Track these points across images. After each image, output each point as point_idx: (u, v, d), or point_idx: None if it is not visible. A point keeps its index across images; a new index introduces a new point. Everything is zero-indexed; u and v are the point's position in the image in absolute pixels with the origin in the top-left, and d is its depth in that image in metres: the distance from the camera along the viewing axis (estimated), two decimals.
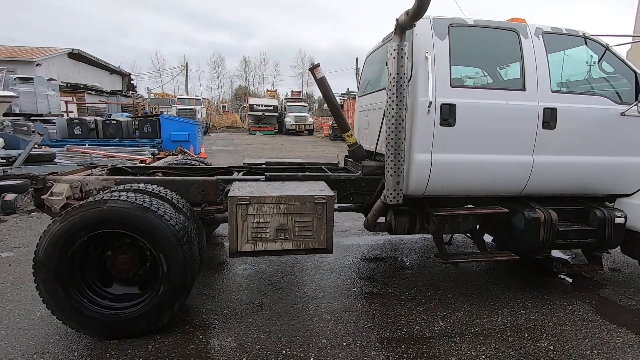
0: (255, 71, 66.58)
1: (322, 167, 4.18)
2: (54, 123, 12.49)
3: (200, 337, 2.66)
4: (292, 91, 46.31)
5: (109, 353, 2.44)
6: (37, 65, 20.30)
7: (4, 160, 6.98)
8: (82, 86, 21.55)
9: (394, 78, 2.82)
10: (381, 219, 3.58)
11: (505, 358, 2.49)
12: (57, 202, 2.97)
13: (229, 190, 3.18)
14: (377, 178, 3.49)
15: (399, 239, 4.94)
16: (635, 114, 3.18)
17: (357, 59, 35.82)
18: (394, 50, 2.79)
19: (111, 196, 2.50)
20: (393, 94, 2.84)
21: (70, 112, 18.02)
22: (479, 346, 2.62)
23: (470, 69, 4.40)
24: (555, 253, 3.94)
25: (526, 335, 2.77)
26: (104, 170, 3.75)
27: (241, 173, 3.83)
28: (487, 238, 4.21)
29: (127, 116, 16.90)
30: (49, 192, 2.94)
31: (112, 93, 24.50)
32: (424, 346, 2.61)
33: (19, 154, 6.88)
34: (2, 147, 8.20)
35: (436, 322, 2.92)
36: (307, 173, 3.47)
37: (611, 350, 2.60)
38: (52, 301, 2.48)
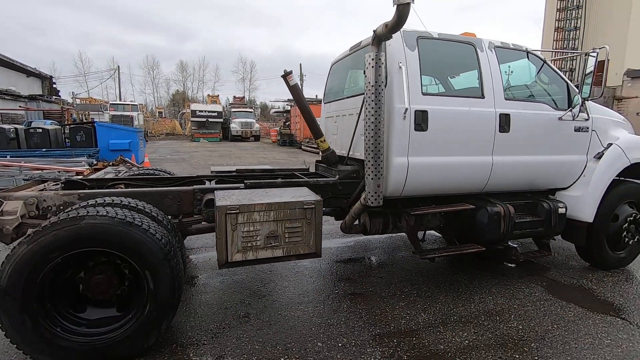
0: (194, 75, 64.03)
1: (295, 172, 4.21)
2: None
3: (191, 355, 2.53)
4: (234, 96, 45.24)
5: None
6: None
7: None
8: None
9: (372, 86, 2.97)
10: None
11: (485, 340, 2.74)
12: (9, 222, 2.64)
13: (209, 200, 3.09)
14: (353, 182, 3.62)
15: (366, 239, 5.13)
16: (569, 118, 3.70)
17: (300, 64, 36.19)
18: (372, 59, 2.94)
19: (87, 212, 2.29)
20: (372, 100, 2.99)
21: None
22: (460, 332, 2.84)
23: (425, 78, 4.75)
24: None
25: (498, 318, 3.06)
26: (57, 184, 3.40)
27: (213, 182, 3.72)
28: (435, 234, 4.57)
29: (51, 123, 15.21)
30: None
31: (32, 98, 21.88)
32: (413, 338, 2.76)
33: None
34: None
35: (419, 315, 3.10)
36: (285, 180, 3.48)
37: (567, 323, 2.99)
38: (17, 334, 2.20)
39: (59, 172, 7.39)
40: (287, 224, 2.76)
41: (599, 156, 3.87)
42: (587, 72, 3.50)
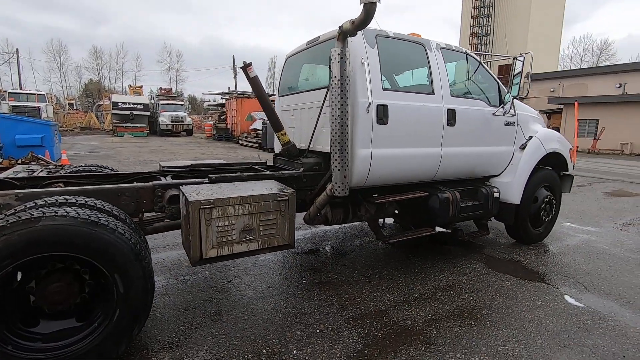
0: (111, 64, 58.29)
1: (253, 166, 4.15)
2: None
3: (167, 358, 2.41)
4: (160, 88, 42.10)
5: None
6: None
7: None
8: None
9: (338, 80, 3.06)
10: None
11: (445, 312, 3.06)
12: None
13: (173, 196, 2.94)
14: (316, 174, 3.71)
15: (323, 230, 5.27)
16: (501, 114, 4.23)
17: (233, 57, 35.00)
18: (338, 54, 3.04)
19: (43, 212, 2.04)
20: (338, 94, 3.08)
21: None
22: (423, 308, 3.12)
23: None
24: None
25: (452, 292, 3.42)
26: None
27: (168, 177, 3.51)
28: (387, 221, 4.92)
29: None
30: None
31: None
32: (384, 317, 2.96)
33: None
34: None
35: (385, 296, 3.32)
36: (251, 174, 3.43)
37: (507, 291, 3.46)
38: None
39: None
40: (261, 216, 2.75)
41: (523, 147, 4.48)
42: (515, 74, 4.03)
